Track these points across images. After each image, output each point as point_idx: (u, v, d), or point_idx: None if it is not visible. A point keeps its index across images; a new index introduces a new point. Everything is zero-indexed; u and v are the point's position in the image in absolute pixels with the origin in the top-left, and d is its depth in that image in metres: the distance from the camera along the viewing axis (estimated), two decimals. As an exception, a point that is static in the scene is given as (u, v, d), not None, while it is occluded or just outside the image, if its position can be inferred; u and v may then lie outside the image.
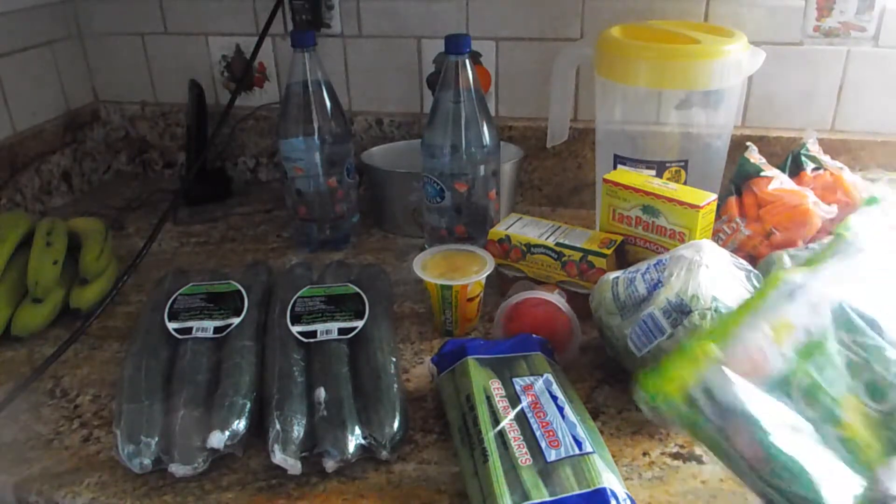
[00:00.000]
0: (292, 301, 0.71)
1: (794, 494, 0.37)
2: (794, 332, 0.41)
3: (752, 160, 0.81)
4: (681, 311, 0.59)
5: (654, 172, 0.80)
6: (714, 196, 0.72)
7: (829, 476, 0.37)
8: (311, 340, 0.67)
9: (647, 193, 0.72)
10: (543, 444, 0.52)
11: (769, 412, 0.39)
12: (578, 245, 0.75)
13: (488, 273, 0.73)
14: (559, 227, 0.79)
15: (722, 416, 0.40)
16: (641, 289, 0.63)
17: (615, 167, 0.83)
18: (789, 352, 0.40)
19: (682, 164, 0.81)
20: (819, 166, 0.81)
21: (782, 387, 0.40)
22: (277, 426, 0.57)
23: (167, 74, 1.15)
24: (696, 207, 0.70)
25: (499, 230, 0.78)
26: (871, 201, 0.64)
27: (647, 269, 0.65)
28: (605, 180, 0.76)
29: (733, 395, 0.39)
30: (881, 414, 0.39)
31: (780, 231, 0.74)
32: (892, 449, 0.39)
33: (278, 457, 0.55)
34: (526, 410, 0.56)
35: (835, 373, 0.40)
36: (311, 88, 0.87)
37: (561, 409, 0.56)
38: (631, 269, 0.67)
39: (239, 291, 0.73)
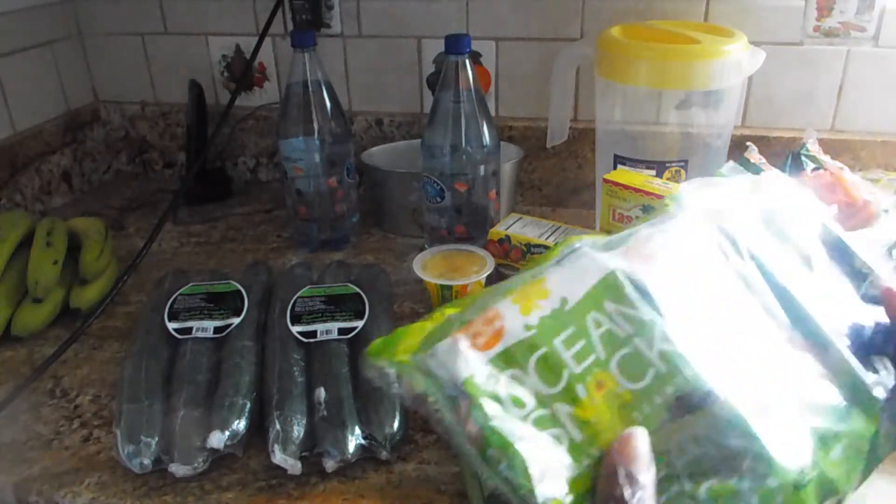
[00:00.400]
0: (292, 301, 0.71)
1: (506, 478, 0.32)
2: (548, 300, 0.36)
3: (752, 160, 0.81)
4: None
5: (654, 172, 0.80)
6: (714, 196, 0.71)
7: (543, 460, 0.33)
8: (311, 340, 0.66)
9: (647, 193, 0.72)
10: (543, 445, 0.52)
11: (489, 387, 0.34)
12: (578, 245, 0.74)
13: (488, 273, 0.73)
14: (559, 226, 0.79)
15: (453, 387, 0.34)
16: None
17: (615, 167, 0.83)
18: (534, 321, 0.35)
19: (682, 164, 0.81)
20: (819, 166, 0.81)
21: (515, 359, 0.34)
22: (277, 426, 0.57)
23: (167, 74, 1.15)
24: (696, 207, 0.69)
25: (499, 230, 0.78)
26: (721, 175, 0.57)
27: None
28: (605, 180, 0.76)
29: (455, 366, 0.34)
30: (633, 394, 0.34)
31: (780, 231, 0.74)
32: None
33: (278, 457, 0.55)
34: (526, 411, 0.56)
35: (587, 346, 0.34)
36: (311, 88, 0.87)
37: (561, 410, 0.55)
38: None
39: (239, 291, 0.73)
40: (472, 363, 0.34)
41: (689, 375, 0.33)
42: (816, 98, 0.93)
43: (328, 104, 0.88)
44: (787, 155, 0.85)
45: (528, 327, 0.35)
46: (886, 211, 0.72)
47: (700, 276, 0.38)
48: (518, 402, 0.33)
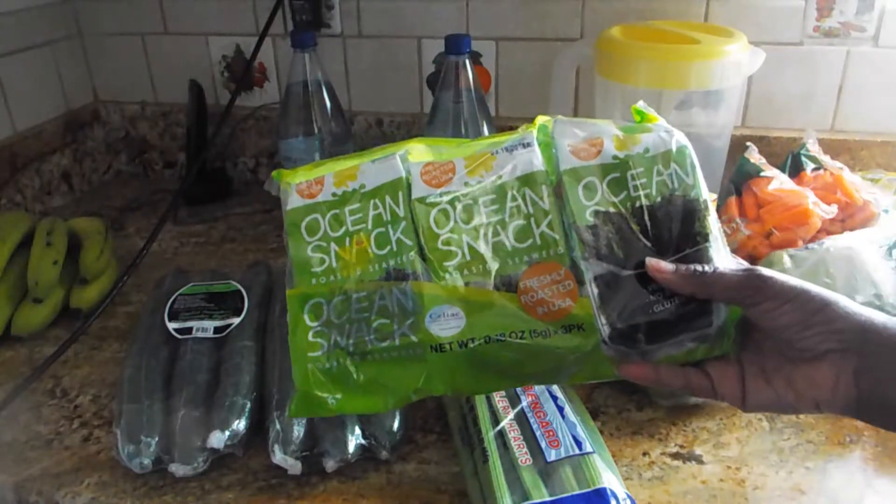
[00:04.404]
0: (292, 301, 0.71)
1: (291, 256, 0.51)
2: (354, 181, 0.51)
3: (752, 160, 0.81)
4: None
5: (654, 172, 0.80)
6: (714, 196, 0.71)
7: (312, 260, 0.50)
8: (311, 340, 0.66)
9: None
10: (543, 444, 0.52)
11: (299, 217, 0.51)
12: (578, 245, 0.75)
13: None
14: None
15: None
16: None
17: (615, 167, 0.83)
18: (339, 192, 0.51)
19: (682, 164, 0.81)
20: (819, 166, 0.81)
21: (320, 210, 0.51)
22: (277, 426, 0.57)
23: (167, 74, 1.15)
24: (695, 207, 0.70)
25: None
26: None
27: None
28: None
29: (288, 201, 0.52)
30: (374, 255, 0.49)
31: (780, 231, 0.74)
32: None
33: (278, 457, 0.55)
34: (526, 410, 0.56)
35: (362, 218, 0.50)
36: (311, 88, 0.87)
37: (561, 409, 0.56)
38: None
39: (239, 291, 0.73)
40: (295, 201, 0.52)
41: (405, 259, 0.49)
42: (816, 98, 0.93)
43: (328, 104, 0.88)
44: (787, 155, 0.85)
45: (334, 195, 0.52)
46: (886, 211, 0.72)
47: (487, 191, 0.50)
48: (312, 232, 0.51)
